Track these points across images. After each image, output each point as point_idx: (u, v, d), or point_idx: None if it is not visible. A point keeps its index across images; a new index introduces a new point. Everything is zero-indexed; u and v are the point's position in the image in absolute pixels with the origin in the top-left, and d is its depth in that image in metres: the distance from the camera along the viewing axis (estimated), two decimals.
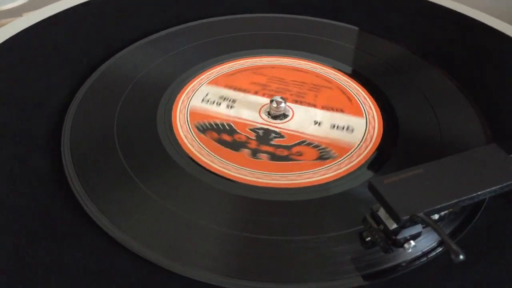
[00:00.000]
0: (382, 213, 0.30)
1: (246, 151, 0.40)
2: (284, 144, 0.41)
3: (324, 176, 0.38)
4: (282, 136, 0.41)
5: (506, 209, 0.36)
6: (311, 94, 0.46)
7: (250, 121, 0.43)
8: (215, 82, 0.47)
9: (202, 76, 0.48)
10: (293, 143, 0.41)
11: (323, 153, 0.39)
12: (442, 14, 0.61)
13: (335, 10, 0.60)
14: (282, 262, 0.32)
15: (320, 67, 0.50)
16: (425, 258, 0.32)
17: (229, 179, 0.37)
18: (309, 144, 0.41)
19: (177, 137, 0.41)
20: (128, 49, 0.51)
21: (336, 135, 0.42)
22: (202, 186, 0.37)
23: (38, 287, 0.30)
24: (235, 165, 0.38)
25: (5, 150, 0.39)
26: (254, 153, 0.40)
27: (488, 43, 0.56)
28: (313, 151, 0.40)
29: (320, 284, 0.31)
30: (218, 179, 0.37)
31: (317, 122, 0.43)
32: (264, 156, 0.39)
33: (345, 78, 0.48)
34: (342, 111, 0.44)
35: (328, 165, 0.39)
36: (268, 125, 0.43)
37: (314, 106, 0.45)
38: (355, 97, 0.46)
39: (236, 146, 0.40)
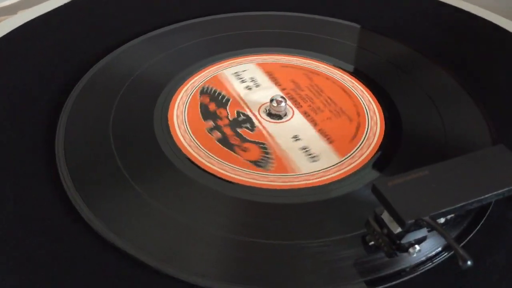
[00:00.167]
0: (386, 216, 0.29)
1: (210, 123, 0.41)
2: (244, 136, 0.40)
3: (325, 178, 0.37)
4: (252, 130, 0.41)
5: None
6: (325, 114, 0.43)
7: (246, 106, 0.44)
8: (262, 65, 0.48)
9: (257, 57, 0.49)
10: (252, 139, 0.40)
11: (262, 160, 0.38)
12: (446, 11, 0.60)
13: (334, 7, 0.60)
14: (281, 267, 0.31)
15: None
16: (430, 263, 0.31)
17: (227, 181, 0.36)
18: (263, 148, 0.39)
19: (175, 138, 0.40)
20: (124, 47, 0.50)
21: (296, 155, 0.39)
22: (199, 187, 0.36)
23: None
24: (232, 165, 0.37)
25: None
26: (216, 128, 0.41)
27: (494, 41, 0.55)
28: (256, 154, 0.39)
29: None
30: (216, 180, 0.36)
31: (296, 138, 0.41)
32: (217, 134, 0.40)
33: (349, 78, 0.47)
34: (331, 142, 0.40)
35: (328, 166, 0.38)
36: (255, 116, 0.42)
37: (314, 125, 0.42)
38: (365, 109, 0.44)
39: (209, 116, 0.42)
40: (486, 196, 0.29)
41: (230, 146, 0.39)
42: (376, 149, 0.40)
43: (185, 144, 0.39)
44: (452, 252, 0.31)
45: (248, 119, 0.42)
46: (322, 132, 0.41)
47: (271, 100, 0.42)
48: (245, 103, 0.44)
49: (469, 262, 0.25)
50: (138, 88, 0.45)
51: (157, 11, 0.57)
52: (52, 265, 0.30)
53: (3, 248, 0.31)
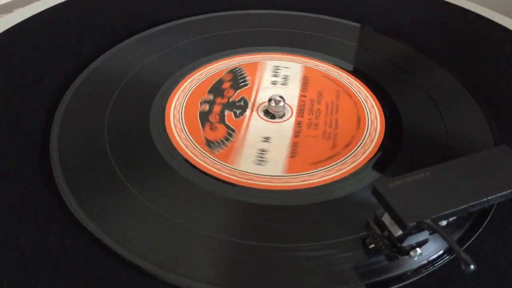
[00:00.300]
0: (386, 218, 0.29)
1: (211, 97, 0.42)
2: (225, 117, 0.41)
3: (324, 178, 0.36)
4: (237, 116, 0.41)
5: None
6: (315, 132, 0.40)
7: (255, 96, 0.44)
8: (307, 69, 0.48)
9: (305, 60, 0.49)
10: (228, 123, 0.40)
11: (216, 143, 0.38)
12: (448, 10, 0.59)
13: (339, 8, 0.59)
14: (280, 270, 0.30)
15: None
16: (432, 267, 0.30)
17: (225, 182, 0.35)
18: (229, 134, 0.39)
19: (171, 138, 0.39)
20: (119, 46, 0.49)
21: (248, 153, 0.38)
22: (195, 188, 0.35)
23: None
24: (229, 165, 0.37)
25: None
26: (210, 102, 0.42)
27: (495, 41, 0.54)
28: (217, 136, 0.39)
29: None
30: (212, 181, 0.36)
31: (266, 140, 0.39)
32: (205, 107, 0.41)
33: (354, 82, 0.47)
34: (292, 157, 0.38)
35: (328, 166, 0.37)
36: (252, 107, 0.42)
37: (294, 136, 0.40)
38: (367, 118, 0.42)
39: (215, 92, 0.43)
40: (489, 198, 0.28)
41: (204, 121, 0.40)
42: (376, 149, 0.39)
43: (182, 144, 0.38)
44: (454, 255, 0.31)
45: (243, 107, 0.42)
46: (294, 144, 0.39)
47: (269, 100, 0.42)
48: (257, 94, 0.44)
49: (472, 266, 0.24)
50: (134, 87, 0.44)
51: (157, 8, 0.56)
52: (46, 267, 0.30)
53: None
